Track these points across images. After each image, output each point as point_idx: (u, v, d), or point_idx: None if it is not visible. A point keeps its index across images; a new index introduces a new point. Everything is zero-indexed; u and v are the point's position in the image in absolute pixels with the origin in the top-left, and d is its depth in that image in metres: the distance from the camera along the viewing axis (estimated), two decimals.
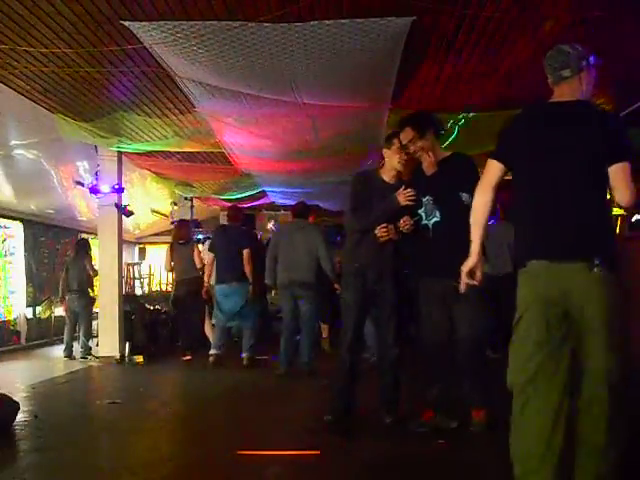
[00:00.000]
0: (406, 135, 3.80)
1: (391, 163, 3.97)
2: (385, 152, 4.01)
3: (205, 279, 7.21)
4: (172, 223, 10.92)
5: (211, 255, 7.05)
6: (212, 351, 6.88)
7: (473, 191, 3.68)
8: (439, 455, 3.42)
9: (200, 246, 8.79)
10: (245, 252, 6.77)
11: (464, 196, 3.61)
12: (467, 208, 3.71)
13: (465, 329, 3.65)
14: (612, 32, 4.31)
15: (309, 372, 6.11)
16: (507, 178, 2.67)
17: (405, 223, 3.71)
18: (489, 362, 4.16)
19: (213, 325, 7.35)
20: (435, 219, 3.75)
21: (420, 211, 3.79)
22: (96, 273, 8.11)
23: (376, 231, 3.73)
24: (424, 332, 3.89)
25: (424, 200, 3.78)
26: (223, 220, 12.25)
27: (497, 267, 7.19)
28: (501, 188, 2.69)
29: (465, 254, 3.74)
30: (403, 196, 3.73)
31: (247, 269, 6.75)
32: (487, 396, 3.71)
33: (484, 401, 3.71)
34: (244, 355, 6.84)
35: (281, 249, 6.31)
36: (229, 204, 11.32)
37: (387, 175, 4.01)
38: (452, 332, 3.73)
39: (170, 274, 9.52)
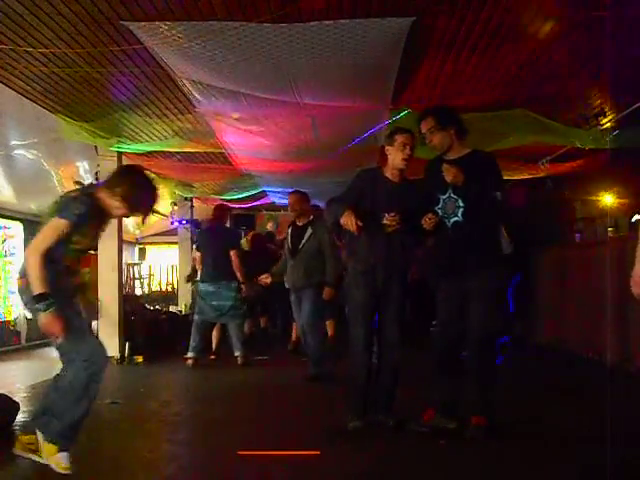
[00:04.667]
0: (426, 124, 3.70)
1: (393, 161, 3.83)
2: (387, 149, 3.86)
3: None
4: (172, 223, 10.93)
5: (198, 254, 7.14)
6: (189, 354, 6.82)
7: (500, 189, 3.64)
8: (439, 455, 3.42)
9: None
10: (232, 253, 6.74)
11: (498, 195, 3.57)
12: (498, 207, 3.66)
13: (479, 330, 3.60)
14: (612, 32, 4.30)
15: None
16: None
17: (431, 220, 3.57)
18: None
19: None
20: (456, 218, 3.62)
21: (437, 208, 3.66)
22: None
23: (384, 220, 3.64)
24: (438, 331, 3.85)
25: (443, 197, 3.65)
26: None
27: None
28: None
29: (485, 254, 3.67)
30: (345, 220, 3.60)
31: (237, 270, 6.72)
32: (491, 403, 3.64)
33: (487, 408, 3.61)
34: (238, 354, 6.83)
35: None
36: (230, 204, 11.33)
37: (390, 173, 3.87)
38: (466, 332, 3.67)
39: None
